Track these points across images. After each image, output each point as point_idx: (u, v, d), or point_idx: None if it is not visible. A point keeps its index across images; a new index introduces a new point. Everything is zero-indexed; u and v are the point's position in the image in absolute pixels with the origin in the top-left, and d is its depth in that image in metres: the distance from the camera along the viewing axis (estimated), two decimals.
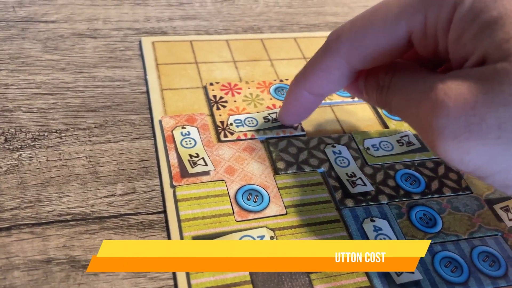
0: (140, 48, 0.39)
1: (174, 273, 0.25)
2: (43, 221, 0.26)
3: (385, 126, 0.36)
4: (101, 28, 0.41)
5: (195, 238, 0.26)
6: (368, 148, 0.33)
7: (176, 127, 0.32)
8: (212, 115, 0.34)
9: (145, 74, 0.37)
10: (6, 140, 0.30)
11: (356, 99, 0.37)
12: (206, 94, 0.36)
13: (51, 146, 0.30)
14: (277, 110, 0.35)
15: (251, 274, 0.25)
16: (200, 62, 0.39)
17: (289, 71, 0.40)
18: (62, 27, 0.40)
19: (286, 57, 0.41)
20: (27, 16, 0.41)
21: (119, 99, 0.34)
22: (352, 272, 0.25)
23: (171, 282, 0.24)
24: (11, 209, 0.26)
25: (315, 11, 0.49)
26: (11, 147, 0.30)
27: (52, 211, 0.27)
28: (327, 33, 0.45)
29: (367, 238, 0.27)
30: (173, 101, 0.35)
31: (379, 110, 0.37)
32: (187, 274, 0.25)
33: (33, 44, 0.38)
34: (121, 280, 0.24)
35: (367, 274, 0.26)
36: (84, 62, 0.37)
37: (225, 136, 0.32)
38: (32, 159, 0.29)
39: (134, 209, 0.28)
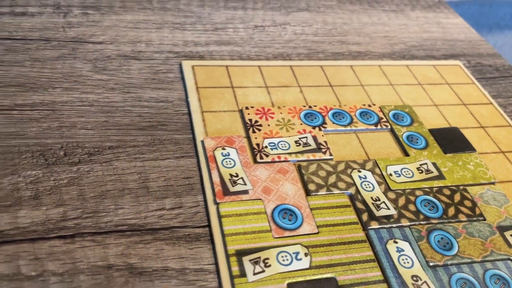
0: (181, 71, 0.43)
1: (220, 281, 0.28)
2: (103, 231, 0.29)
3: (406, 153, 0.39)
4: (144, 50, 0.44)
5: (238, 251, 0.29)
6: (390, 174, 0.36)
7: (216, 147, 0.35)
8: (248, 137, 0.37)
9: (186, 97, 0.40)
10: (65, 155, 0.33)
11: (379, 126, 0.41)
12: (242, 117, 0.39)
13: (105, 162, 0.33)
14: (307, 135, 0.38)
15: (290, 284, 0.28)
16: (235, 87, 0.42)
17: (317, 97, 0.43)
18: (109, 48, 0.43)
19: (314, 84, 0.44)
20: (76, 37, 0.44)
21: (163, 119, 0.38)
22: None
23: None
24: (74, 218, 0.29)
25: (339, 40, 0.52)
26: (70, 161, 0.33)
27: (110, 221, 0.30)
28: (351, 62, 0.48)
29: (391, 258, 0.30)
30: (212, 123, 0.38)
31: (400, 138, 0.40)
32: (232, 283, 0.27)
33: (83, 64, 0.41)
34: (173, 286, 0.27)
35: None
36: (131, 83, 0.40)
37: (261, 158, 0.35)
38: (89, 173, 0.32)
39: (182, 222, 0.31)
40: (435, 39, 0.56)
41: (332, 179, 0.35)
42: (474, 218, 0.34)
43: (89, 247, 0.28)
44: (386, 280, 0.29)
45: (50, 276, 0.26)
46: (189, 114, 0.39)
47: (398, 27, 0.57)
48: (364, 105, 0.43)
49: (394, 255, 0.31)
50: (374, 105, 0.43)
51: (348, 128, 0.40)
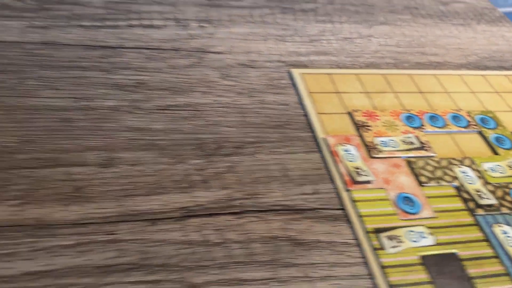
0: (291, 78, 0.49)
1: (362, 252, 0.34)
2: (262, 209, 0.35)
3: (495, 152, 0.45)
4: (257, 59, 0.51)
5: (375, 229, 0.35)
6: (486, 170, 0.42)
7: (337, 144, 0.42)
8: (360, 136, 0.43)
9: (301, 100, 0.46)
10: (218, 148, 0.39)
11: (469, 129, 0.46)
12: (352, 118, 0.45)
13: (250, 154, 0.40)
14: (411, 135, 0.44)
15: (423, 257, 0.34)
16: (340, 92, 0.48)
17: (411, 102, 0.49)
18: (228, 57, 0.50)
19: (406, 90, 0.50)
20: (199, 47, 0.51)
21: (287, 120, 0.44)
22: (496, 262, 0.34)
23: (362, 260, 0.33)
24: (238, 199, 0.36)
25: (418, 51, 0.58)
26: (223, 153, 0.39)
27: (266, 202, 0.36)
28: (434, 71, 0.54)
29: (498, 239, 0.36)
30: (328, 123, 0.44)
31: (488, 139, 0.46)
32: (375, 254, 0.33)
33: (211, 71, 0.48)
34: (327, 255, 0.33)
35: (504, 265, 0.34)
36: (254, 88, 0.47)
37: (376, 154, 0.41)
38: (240, 163, 0.39)
39: (322, 204, 0.37)
40: (503, 51, 0.62)
41: (438, 173, 0.41)
42: None
43: (255, 222, 0.34)
44: (497, 256, 0.35)
45: (232, 243, 0.33)
46: (306, 115, 0.45)
47: (467, 40, 0.63)
48: (453, 110, 0.48)
49: (501, 237, 0.36)
50: (462, 110, 0.48)
51: (443, 130, 0.46)
